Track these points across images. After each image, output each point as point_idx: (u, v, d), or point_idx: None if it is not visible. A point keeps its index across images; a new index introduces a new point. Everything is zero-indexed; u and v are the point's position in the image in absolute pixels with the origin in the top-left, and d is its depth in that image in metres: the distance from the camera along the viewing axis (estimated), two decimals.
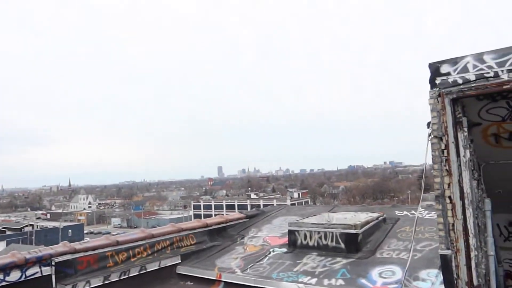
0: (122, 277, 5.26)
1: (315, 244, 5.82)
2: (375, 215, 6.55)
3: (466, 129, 3.60)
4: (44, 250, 4.85)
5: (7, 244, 54.38)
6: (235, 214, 7.94)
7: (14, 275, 4.46)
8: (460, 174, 3.47)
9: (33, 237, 59.81)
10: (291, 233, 6.14)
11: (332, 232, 5.76)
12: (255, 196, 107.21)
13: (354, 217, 6.59)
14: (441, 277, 3.78)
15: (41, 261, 4.68)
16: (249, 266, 5.55)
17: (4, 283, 4.39)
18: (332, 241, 5.69)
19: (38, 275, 4.63)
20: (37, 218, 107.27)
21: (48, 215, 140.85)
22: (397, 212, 7.11)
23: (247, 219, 7.88)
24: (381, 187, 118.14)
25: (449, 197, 3.45)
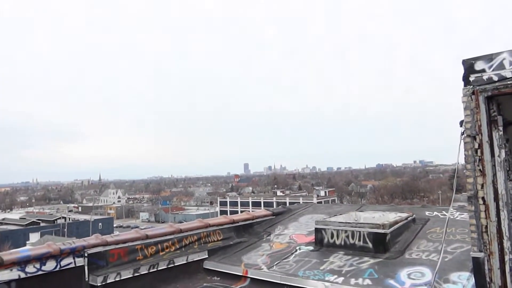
0: (151, 270, 5.40)
1: (342, 243, 5.79)
2: (404, 215, 6.45)
3: (501, 128, 3.49)
4: (77, 242, 5.04)
5: (41, 235, 56.69)
6: (262, 211, 7.99)
7: (50, 265, 4.66)
8: (494, 175, 3.38)
9: (65, 229, 61.99)
10: (317, 231, 6.13)
11: (359, 231, 5.72)
12: (281, 194, 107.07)
13: (382, 217, 6.50)
14: (472, 280, 3.70)
15: (75, 252, 4.86)
16: (275, 263, 5.58)
17: (40, 272, 4.58)
18: (359, 240, 5.65)
19: (72, 265, 4.81)
20: (69, 211, 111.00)
21: (80, 208, 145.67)
22: (427, 213, 6.97)
23: (273, 217, 7.91)
24: (410, 186, 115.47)
25: (483, 198, 3.36)
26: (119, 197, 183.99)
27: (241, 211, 8.50)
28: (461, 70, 3.60)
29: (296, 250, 6.00)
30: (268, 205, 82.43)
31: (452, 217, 6.42)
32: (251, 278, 5.33)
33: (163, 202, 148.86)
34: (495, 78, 3.36)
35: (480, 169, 3.38)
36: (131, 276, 5.18)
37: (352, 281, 4.71)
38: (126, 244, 5.36)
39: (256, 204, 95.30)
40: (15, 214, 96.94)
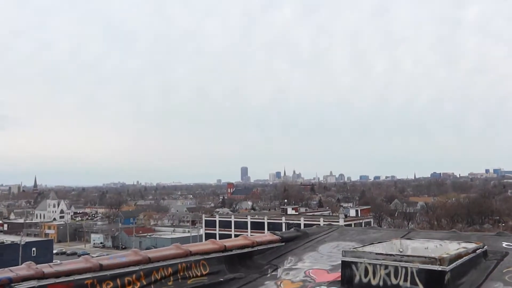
0: None
1: (381, 283, 5.78)
2: (471, 246, 6.42)
3: None
4: (1, 273, 5.02)
5: None
6: (266, 235, 7.98)
7: None
8: None
9: None
10: (346, 266, 6.11)
11: (406, 267, 5.69)
12: (293, 212, 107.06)
13: (440, 248, 6.49)
14: None
15: None
16: None
17: None
18: (405, 280, 5.63)
19: None
20: None
21: (5, 226, 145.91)
22: (504, 244, 6.96)
23: (283, 243, 7.90)
24: (480, 206, 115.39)
25: None
26: (62, 212, 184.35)
27: (236, 235, 8.52)
28: None
29: None
30: (274, 227, 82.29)
31: None
32: None
33: (124, 220, 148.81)
34: None
35: None
36: None
37: None
38: (71, 278, 5.35)
39: (258, 226, 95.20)
40: None
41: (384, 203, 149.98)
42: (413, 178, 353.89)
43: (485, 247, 6.54)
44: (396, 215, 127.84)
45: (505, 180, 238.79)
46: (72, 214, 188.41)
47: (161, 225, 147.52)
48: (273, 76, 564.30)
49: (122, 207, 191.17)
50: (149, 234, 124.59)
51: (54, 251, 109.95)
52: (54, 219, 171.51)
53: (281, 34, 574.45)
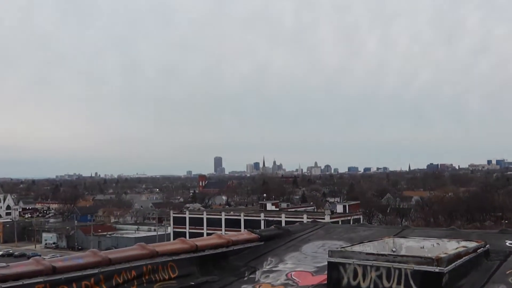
0: None
1: (371, 286, 5.83)
2: (471, 245, 6.51)
3: None
4: None
5: None
6: (243, 233, 8.00)
7: None
8: None
9: None
10: (332, 267, 6.15)
11: (399, 269, 5.75)
12: (273, 208, 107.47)
13: (437, 247, 6.56)
14: None
15: None
16: None
17: None
18: (399, 282, 5.69)
19: None
20: None
21: None
22: (508, 242, 7.06)
23: (261, 243, 7.93)
24: (481, 200, 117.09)
25: None
26: (8, 208, 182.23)
27: (209, 234, 8.52)
28: None
29: None
30: (252, 224, 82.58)
31: None
32: None
33: (81, 217, 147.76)
34: None
35: None
36: None
37: None
38: (20, 282, 5.30)
39: (234, 223, 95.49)
40: None
41: (375, 198, 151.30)
42: (407, 170, 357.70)
43: (487, 246, 6.63)
44: (388, 211, 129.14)
45: (508, 173, 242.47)
46: (21, 210, 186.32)
47: (123, 223, 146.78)
48: (251, 54, 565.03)
49: (78, 202, 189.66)
50: (110, 232, 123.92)
51: (0, 253, 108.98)
52: (0, 216, 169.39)
53: (259, 6, 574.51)
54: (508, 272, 6.05)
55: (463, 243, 6.54)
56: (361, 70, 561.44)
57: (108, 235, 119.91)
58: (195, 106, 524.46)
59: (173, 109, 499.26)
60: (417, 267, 5.63)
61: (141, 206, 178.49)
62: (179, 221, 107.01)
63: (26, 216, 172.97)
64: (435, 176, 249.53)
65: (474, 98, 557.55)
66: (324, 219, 79.48)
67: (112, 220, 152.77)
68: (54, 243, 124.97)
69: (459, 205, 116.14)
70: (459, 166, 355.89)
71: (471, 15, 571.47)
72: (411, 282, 5.60)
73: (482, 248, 6.48)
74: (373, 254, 6.02)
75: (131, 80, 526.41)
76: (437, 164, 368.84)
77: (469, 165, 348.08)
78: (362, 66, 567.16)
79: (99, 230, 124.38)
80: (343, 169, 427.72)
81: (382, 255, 5.96)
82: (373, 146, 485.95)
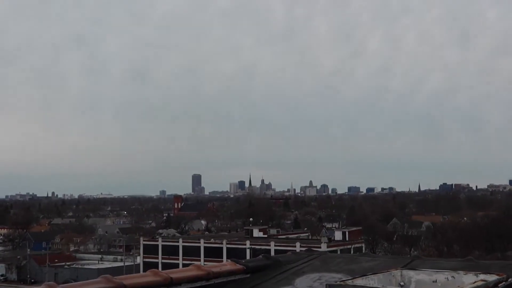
0: None
1: None
2: (491, 278, 6.52)
3: None
4: None
5: None
6: (225, 264, 7.96)
7: None
8: None
9: None
10: None
11: None
12: (261, 234, 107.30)
13: (452, 281, 6.56)
14: None
15: None
16: None
17: None
18: None
19: None
20: None
21: None
22: None
23: (248, 275, 7.90)
24: (503, 227, 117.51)
25: None
26: None
27: (186, 265, 8.49)
28: None
29: None
30: (237, 254, 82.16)
31: None
32: None
33: (35, 244, 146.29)
34: None
35: None
36: None
37: None
38: None
39: (215, 253, 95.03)
40: None
41: (380, 223, 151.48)
42: (416, 190, 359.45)
43: (510, 279, 6.64)
44: (395, 238, 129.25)
45: None
46: None
47: (84, 251, 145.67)
48: (235, 54, 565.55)
49: (31, 227, 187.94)
50: (69, 263, 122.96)
51: None
52: None
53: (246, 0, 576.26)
54: None
55: (482, 277, 6.55)
56: (363, 73, 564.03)
57: (66, 266, 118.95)
58: (170, 114, 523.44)
59: (144, 117, 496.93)
60: None
61: (106, 232, 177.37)
62: (151, 250, 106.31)
63: None
64: (449, 198, 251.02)
65: (494, 106, 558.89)
66: (320, 247, 79.44)
67: (72, 248, 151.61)
68: (2, 275, 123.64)
69: (477, 232, 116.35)
70: (476, 186, 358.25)
71: (489, 11, 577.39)
72: None
73: (504, 282, 6.49)
74: None
75: (95, 82, 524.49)
76: (451, 184, 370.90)
77: (488, 186, 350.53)
78: (364, 69, 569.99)
79: (56, 260, 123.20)
80: (342, 189, 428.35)
81: None
82: (377, 162, 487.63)
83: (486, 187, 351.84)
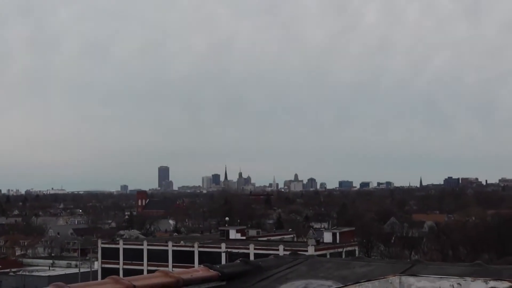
0: None
1: None
2: (502, 285, 6.59)
3: None
4: None
5: None
6: (197, 270, 7.97)
7: None
8: None
9: None
10: None
11: None
12: (238, 236, 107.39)
13: None
14: None
15: None
16: None
17: None
18: None
19: None
20: None
21: None
22: None
23: (223, 282, 7.92)
24: None
25: None
26: None
27: (152, 271, 8.49)
28: None
29: None
30: (211, 258, 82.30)
31: None
32: None
33: None
34: None
35: None
36: None
37: None
38: None
39: (185, 257, 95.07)
40: None
41: (375, 223, 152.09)
42: (417, 185, 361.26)
43: None
44: (393, 240, 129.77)
45: None
46: None
47: (33, 256, 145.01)
48: (208, 28, 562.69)
49: None
50: (14, 269, 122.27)
51: None
52: None
53: None
54: None
55: (493, 284, 6.62)
56: (357, 51, 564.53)
57: (12, 273, 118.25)
58: (131, 97, 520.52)
59: (101, 100, 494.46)
60: None
61: (58, 234, 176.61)
62: (110, 254, 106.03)
63: None
64: (454, 194, 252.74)
65: (507, 90, 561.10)
66: (307, 251, 79.62)
67: (18, 252, 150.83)
68: None
69: (486, 232, 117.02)
70: (486, 181, 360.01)
71: None
72: None
73: None
74: None
75: (43, 59, 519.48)
76: (458, 179, 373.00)
77: (500, 180, 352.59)
78: (358, 46, 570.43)
79: (2, 266, 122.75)
80: (332, 184, 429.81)
81: None
82: (373, 153, 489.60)
83: (497, 181, 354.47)
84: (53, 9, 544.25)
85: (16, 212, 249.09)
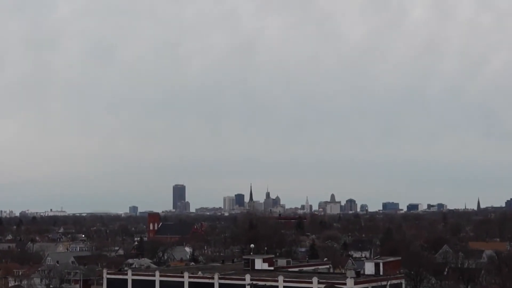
0: None
1: None
2: None
3: None
4: None
5: None
6: None
7: None
8: None
9: None
10: None
11: None
12: (265, 266, 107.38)
13: None
14: None
15: None
16: None
17: None
18: None
19: None
20: None
21: None
22: None
23: None
24: None
25: None
26: None
27: None
28: None
29: None
30: None
31: None
32: None
33: None
34: None
35: None
36: None
37: None
38: None
39: None
40: None
41: (426, 252, 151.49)
42: (475, 208, 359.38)
43: None
44: (446, 272, 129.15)
45: None
46: None
47: (28, 287, 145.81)
48: (230, 25, 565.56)
49: None
50: None
51: None
52: None
53: None
54: None
55: None
56: (401, 51, 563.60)
57: None
58: (142, 105, 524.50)
59: (107, 107, 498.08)
60: None
61: (57, 262, 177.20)
62: (117, 286, 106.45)
63: None
64: None
65: None
66: (345, 284, 79.75)
67: (12, 283, 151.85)
68: None
69: None
70: None
71: None
72: None
73: None
74: None
75: (40, 61, 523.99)
76: None
77: None
78: (403, 46, 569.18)
79: None
80: (375, 206, 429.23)
81: None
82: (422, 170, 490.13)
83: None
84: (52, 3, 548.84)
85: (9, 236, 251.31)
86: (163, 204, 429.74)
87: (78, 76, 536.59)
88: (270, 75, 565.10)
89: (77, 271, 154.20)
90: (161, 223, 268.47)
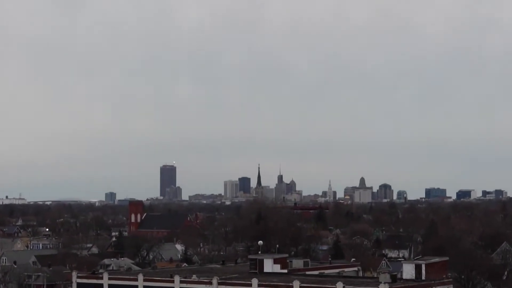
0: None
1: None
2: None
3: None
4: None
5: None
6: None
7: None
8: None
9: None
10: None
11: None
12: (277, 268, 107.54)
13: None
14: None
15: None
16: None
17: None
18: None
19: None
20: None
21: None
22: None
23: None
24: None
25: None
26: None
27: None
28: None
29: None
30: None
31: None
32: None
33: None
34: None
35: None
36: None
37: None
38: None
39: None
40: None
41: (480, 251, 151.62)
42: None
43: None
44: (505, 276, 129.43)
45: None
46: None
47: None
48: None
49: None
50: None
51: None
52: None
53: None
54: None
55: None
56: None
57: None
58: (121, 62, 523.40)
59: (78, 68, 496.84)
60: None
61: (14, 263, 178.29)
62: None
63: None
64: None
65: None
66: None
67: None
68: None
69: None
70: None
71: None
72: None
73: None
74: None
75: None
76: None
77: None
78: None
79: None
80: (416, 193, 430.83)
81: None
82: (475, 149, 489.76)
83: None
84: None
85: None
86: (147, 190, 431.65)
87: (37, 28, 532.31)
88: (283, 22, 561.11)
89: (39, 274, 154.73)
90: (145, 214, 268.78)
